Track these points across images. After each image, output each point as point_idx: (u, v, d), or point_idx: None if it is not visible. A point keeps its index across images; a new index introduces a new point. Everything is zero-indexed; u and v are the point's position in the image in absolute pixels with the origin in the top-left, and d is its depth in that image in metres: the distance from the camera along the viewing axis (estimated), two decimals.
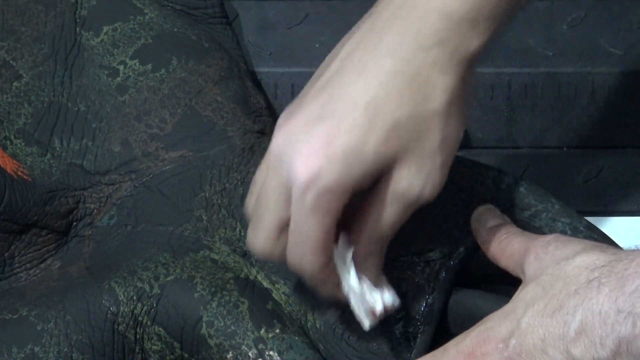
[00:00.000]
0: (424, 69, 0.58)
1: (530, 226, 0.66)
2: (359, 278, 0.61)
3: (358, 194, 0.59)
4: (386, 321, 0.65)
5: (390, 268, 0.67)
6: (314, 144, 0.57)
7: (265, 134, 0.75)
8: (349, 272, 0.61)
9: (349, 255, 0.60)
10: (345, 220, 0.60)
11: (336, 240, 0.60)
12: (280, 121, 0.60)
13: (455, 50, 0.58)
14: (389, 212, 0.59)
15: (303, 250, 0.59)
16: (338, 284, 0.61)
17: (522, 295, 0.57)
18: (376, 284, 0.62)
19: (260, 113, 0.76)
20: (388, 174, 0.58)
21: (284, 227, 0.60)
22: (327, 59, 0.61)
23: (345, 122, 0.57)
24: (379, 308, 0.62)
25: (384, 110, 0.57)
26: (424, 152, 0.58)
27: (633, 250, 0.54)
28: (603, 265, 0.54)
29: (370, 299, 0.62)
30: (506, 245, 0.62)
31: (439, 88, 0.58)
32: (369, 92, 0.58)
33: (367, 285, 0.62)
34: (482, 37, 0.59)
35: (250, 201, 0.63)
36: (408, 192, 0.58)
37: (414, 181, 0.58)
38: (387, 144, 0.57)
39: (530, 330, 0.54)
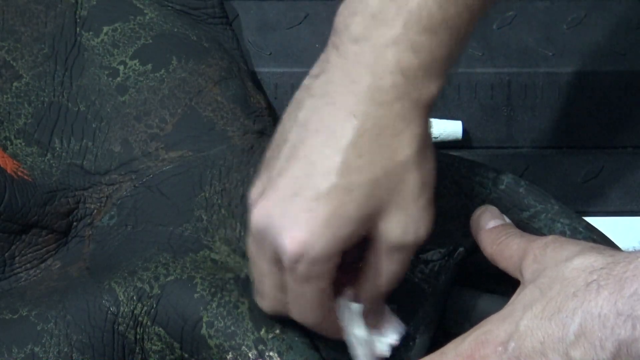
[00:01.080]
0: (388, 124, 0.58)
1: (529, 227, 0.66)
2: (365, 327, 0.62)
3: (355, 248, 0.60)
4: None
5: None
6: (296, 217, 0.58)
7: (265, 134, 0.75)
8: (353, 324, 0.62)
9: (354, 309, 0.62)
10: (347, 272, 0.62)
11: (339, 292, 0.62)
12: (253, 196, 0.61)
13: (416, 100, 0.59)
14: (389, 264, 0.60)
15: (302, 309, 0.61)
16: (338, 331, 0.63)
17: (520, 297, 0.57)
18: (380, 326, 0.64)
19: (260, 113, 0.76)
20: (378, 228, 0.59)
21: (284, 286, 0.61)
22: (279, 129, 0.62)
23: (322, 190, 0.58)
24: (386, 350, 0.63)
25: (358, 171, 0.58)
26: (407, 199, 0.59)
27: (631, 252, 0.54)
28: (601, 268, 0.54)
29: (378, 345, 0.63)
30: (505, 247, 0.62)
31: (407, 138, 0.59)
32: (339, 156, 0.58)
33: (373, 333, 0.63)
34: (439, 80, 0.59)
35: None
36: (403, 240, 0.59)
37: (405, 228, 0.59)
38: (368, 202, 0.58)
39: (529, 333, 0.54)
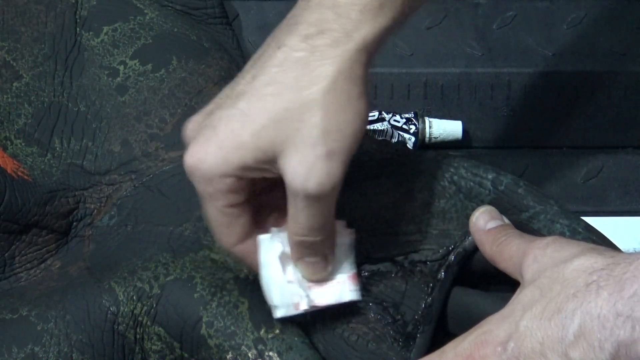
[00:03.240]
0: (307, 58, 0.57)
1: (528, 228, 0.66)
2: (286, 270, 0.62)
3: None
4: (386, 321, 0.65)
5: (390, 268, 0.67)
6: (201, 134, 0.59)
7: None
8: (267, 263, 0.62)
9: (273, 247, 0.62)
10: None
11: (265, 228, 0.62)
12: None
13: (342, 39, 0.57)
14: (295, 210, 0.59)
15: (212, 229, 0.62)
16: (254, 264, 0.63)
17: (520, 298, 0.57)
18: (310, 281, 0.63)
19: None
20: (279, 167, 0.58)
21: None
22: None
23: (226, 111, 0.58)
24: (302, 305, 0.63)
25: (262, 99, 0.57)
26: (305, 142, 0.57)
27: (631, 254, 0.54)
28: (601, 269, 0.54)
29: (294, 293, 0.63)
30: (504, 248, 0.62)
31: (319, 76, 0.57)
32: (252, 82, 0.58)
33: (296, 280, 0.63)
34: (376, 23, 0.58)
35: None
36: (296, 186, 0.58)
37: (295, 172, 0.57)
38: (264, 133, 0.57)
39: (528, 334, 0.54)
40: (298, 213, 0.59)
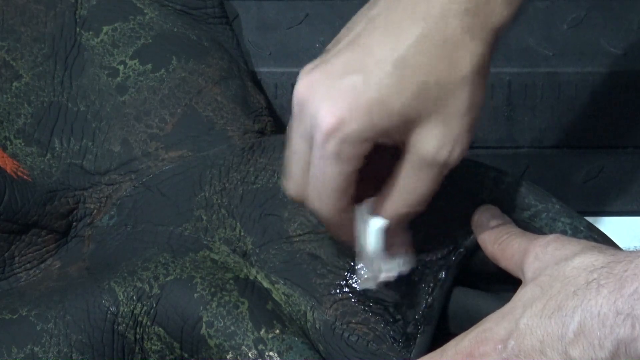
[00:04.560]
0: (454, 35, 0.58)
1: (530, 226, 0.66)
2: (378, 244, 0.61)
3: (385, 161, 0.60)
4: (386, 321, 0.65)
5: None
6: (340, 94, 0.57)
7: (265, 134, 0.75)
8: (367, 236, 0.61)
9: (372, 219, 0.61)
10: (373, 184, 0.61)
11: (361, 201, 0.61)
12: (302, 73, 0.60)
13: (486, 18, 0.58)
14: (417, 180, 0.59)
15: (321, 193, 0.60)
16: (351, 235, 0.62)
17: (520, 295, 0.57)
18: (396, 254, 0.63)
19: (260, 113, 0.76)
20: (414, 137, 0.58)
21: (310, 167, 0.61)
22: (348, 24, 0.61)
23: (373, 76, 0.57)
24: (392, 275, 0.63)
25: (412, 71, 0.57)
26: (452, 115, 0.58)
27: (632, 252, 0.54)
28: (602, 267, 0.54)
29: (386, 267, 0.62)
30: (506, 246, 0.62)
31: (469, 54, 0.58)
32: (398, 51, 0.58)
33: (386, 255, 0.62)
34: (512, 7, 0.59)
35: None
36: (437, 154, 0.58)
37: (442, 143, 0.58)
38: (414, 103, 0.57)
39: (528, 332, 0.54)
40: (418, 184, 0.59)
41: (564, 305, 0.53)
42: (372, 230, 0.61)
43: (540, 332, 0.54)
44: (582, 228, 0.66)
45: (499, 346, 0.55)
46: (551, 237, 0.59)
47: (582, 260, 0.55)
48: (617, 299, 0.51)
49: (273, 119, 0.77)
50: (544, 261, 0.58)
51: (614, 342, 0.51)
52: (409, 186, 0.60)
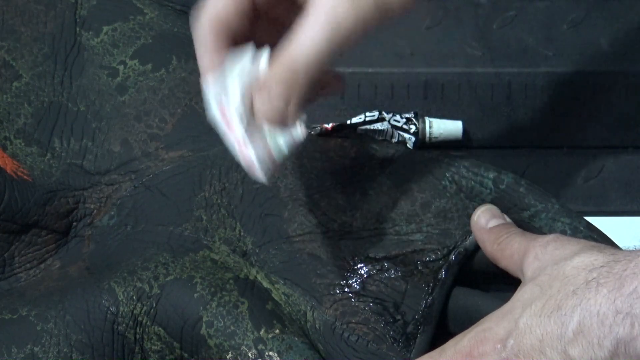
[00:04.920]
0: None
1: (530, 226, 0.66)
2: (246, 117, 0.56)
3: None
4: (386, 321, 0.65)
5: (390, 268, 0.67)
6: None
7: None
8: (234, 72, 0.56)
9: (246, 55, 0.56)
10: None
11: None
12: None
13: None
14: (314, 29, 0.55)
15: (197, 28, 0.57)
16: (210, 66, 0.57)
17: (520, 295, 0.57)
18: (290, 125, 0.56)
19: None
20: None
21: None
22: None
23: None
24: (284, 148, 0.57)
25: None
26: None
27: (631, 251, 0.54)
28: (601, 266, 0.53)
29: (279, 140, 0.56)
30: (505, 246, 0.62)
31: None
32: None
33: (276, 130, 0.56)
34: None
35: None
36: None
37: None
38: None
39: (528, 331, 0.54)
40: (318, 35, 0.54)
41: (563, 304, 0.53)
42: (242, 67, 0.54)
43: (539, 331, 0.54)
44: (581, 228, 0.66)
45: (498, 345, 0.55)
46: (551, 236, 0.59)
47: (582, 259, 0.55)
48: (616, 298, 0.51)
49: None
50: (543, 261, 0.58)
51: (613, 342, 0.51)
52: (307, 35, 0.55)
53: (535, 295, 0.55)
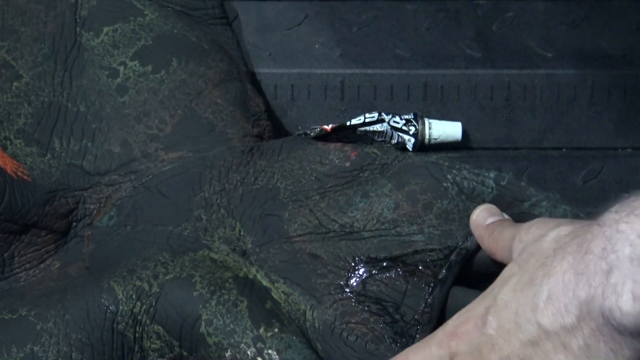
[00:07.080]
0: None
1: (531, 215, 0.66)
2: None
3: None
4: (385, 321, 0.65)
5: (391, 268, 0.67)
6: None
7: (263, 138, 0.75)
8: None
9: None
10: None
11: None
12: None
13: None
14: None
15: None
16: None
17: (501, 274, 0.57)
18: None
19: (259, 117, 0.76)
20: None
21: None
22: None
23: None
24: None
25: None
26: None
27: (602, 219, 0.53)
28: (566, 234, 0.54)
29: None
30: (499, 237, 0.62)
31: None
32: None
33: None
34: None
35: None
36: None
37: None
38: None
39: (504, 306, 0.55)
40: None
41: (535, 276, 0.54)
42: None
43: (514, 305, 0.54)
44: (582, 215, 0.66)
45: (479, 323, 0.56)
46: (535, 220, 0.60)
47: (555, 233, 0.55)
48: (577, 262, 0.51)
49: (272, 123, 0.77)
50: (525, 241, 0.58)
51: (577, 306, 0.51)
52: None
53: (513, 272, 0.56)
